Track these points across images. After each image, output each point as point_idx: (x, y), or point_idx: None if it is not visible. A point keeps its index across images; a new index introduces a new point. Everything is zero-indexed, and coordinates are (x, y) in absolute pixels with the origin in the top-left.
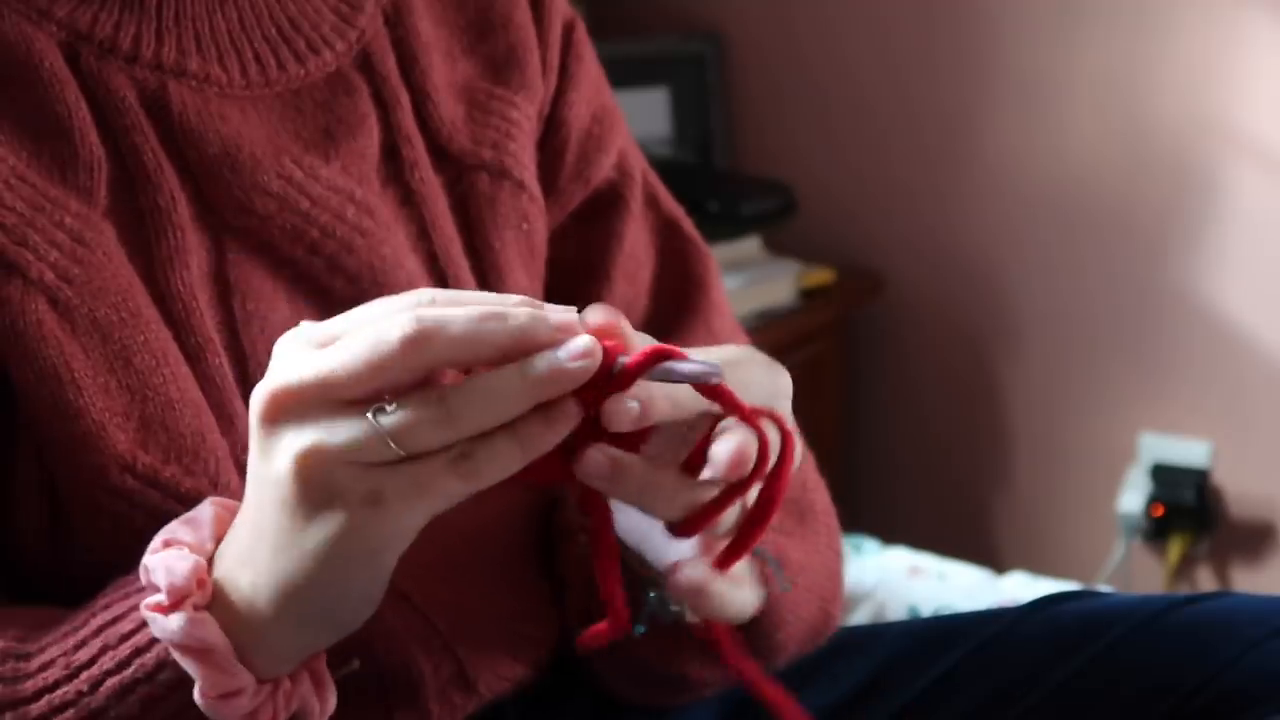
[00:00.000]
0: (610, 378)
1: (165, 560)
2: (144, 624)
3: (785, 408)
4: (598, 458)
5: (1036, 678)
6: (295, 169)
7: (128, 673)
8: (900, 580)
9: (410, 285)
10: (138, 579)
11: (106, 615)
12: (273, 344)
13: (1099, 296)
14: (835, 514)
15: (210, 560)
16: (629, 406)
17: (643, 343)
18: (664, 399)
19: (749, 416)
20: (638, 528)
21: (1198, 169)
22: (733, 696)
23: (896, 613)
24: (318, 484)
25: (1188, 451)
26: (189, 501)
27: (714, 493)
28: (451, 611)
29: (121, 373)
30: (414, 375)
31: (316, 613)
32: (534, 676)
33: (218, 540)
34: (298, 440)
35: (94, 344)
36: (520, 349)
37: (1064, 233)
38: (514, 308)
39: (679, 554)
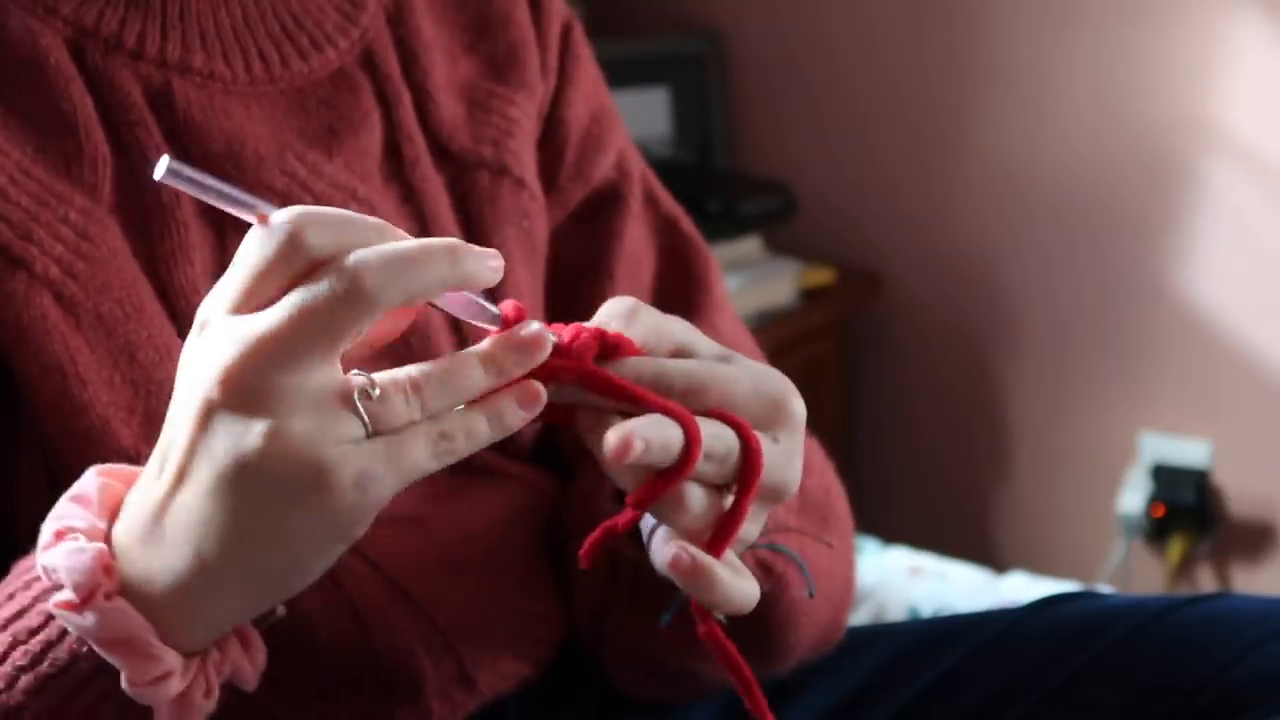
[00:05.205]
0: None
1: (65, 558)
2: (52, 617)
3: (780, 418)
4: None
5: (1037, 678)
6: (299, 165)
7: (43, 668)
8: (900, 580)
9: None
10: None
11: (12, 608)
12: None
13: (1099, 296)
14: (852, 522)
15: (109, 538)
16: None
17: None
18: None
19: (667, 408)
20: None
21: (1196, 168)
22: (734, 696)
23: (896, 613)
24: (309, 468)
25: (1188, 451)
26: None
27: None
28: (453, 610)
29: (126, 367)
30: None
31: (275, 587)
32: (536, 675)
33: (111, 512)
34: (280, 424)
35: (98, 339)
36: (457, 275)
37: (1064, 233)
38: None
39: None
